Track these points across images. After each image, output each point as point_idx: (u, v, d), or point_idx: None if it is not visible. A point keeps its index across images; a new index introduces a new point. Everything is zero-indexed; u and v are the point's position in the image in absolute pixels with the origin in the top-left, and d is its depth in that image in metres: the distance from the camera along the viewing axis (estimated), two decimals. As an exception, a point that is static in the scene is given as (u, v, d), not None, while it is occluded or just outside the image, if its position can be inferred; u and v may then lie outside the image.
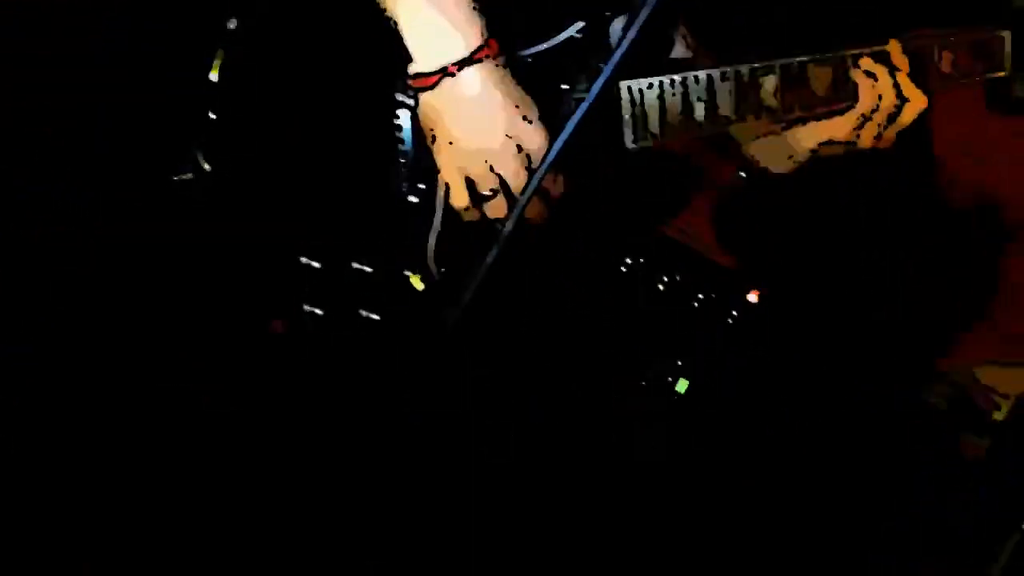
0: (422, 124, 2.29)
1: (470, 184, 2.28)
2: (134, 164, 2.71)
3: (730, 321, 2.63)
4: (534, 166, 2.28)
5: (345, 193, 2.36)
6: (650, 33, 2.02)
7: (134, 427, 2.80)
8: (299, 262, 2.34)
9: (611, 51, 2.04)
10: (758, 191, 2.64)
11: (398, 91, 2.33)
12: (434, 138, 2.27)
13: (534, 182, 2.10)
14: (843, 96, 2.42)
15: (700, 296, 2.62)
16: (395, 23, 2.22)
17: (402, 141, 2.34)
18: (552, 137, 2.23)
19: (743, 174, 2.58)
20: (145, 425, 2.80)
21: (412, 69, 2.23)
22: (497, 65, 2.24)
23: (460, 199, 2.30)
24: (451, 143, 2.26)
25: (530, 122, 2.26)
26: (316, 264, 2.35)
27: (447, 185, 2.30)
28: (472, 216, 2.31)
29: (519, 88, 2.27)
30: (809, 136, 2.47)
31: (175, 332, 2.79)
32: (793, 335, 2.92)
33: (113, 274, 2.77)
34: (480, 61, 2.22)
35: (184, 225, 2.47)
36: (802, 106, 2.41)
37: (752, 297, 2.64)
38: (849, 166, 2.51)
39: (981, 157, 2.97)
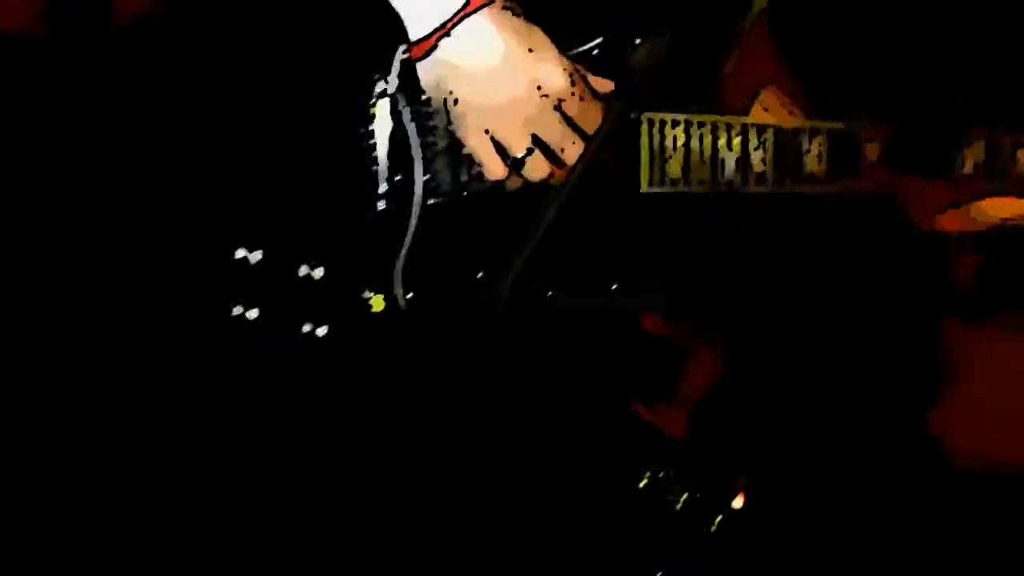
0: (435, 107, 2.11)
1: (501, 150, 2.13)
2: (135, 164, 2.70)
3: (713, 529, 2.43)
4: (564, 109, 2.08)
5: (302, 188, 2.11)
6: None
7: (134, 427, 2.80)
8: (233, 255, 2.07)
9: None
10: (744, 385, 2.42)
11: (377, 75, 2.10)
12: (448, 111, 2.10)
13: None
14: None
15: (685, 496, 2.40)
16: None
17: (372, 135, 2.12)
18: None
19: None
20: (145, 425, 2.80)
21: (411, 37, 2.06)
22: (498, 9, 2.06)
23: (496, 170, 2.15)
24: (470, 111, 2.09)
25: (547, 62, 2.08)
26: (254, 257, 2.10)
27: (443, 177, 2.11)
28: (515, 184, 2.15)
29: (528, 25, 2.09)
30: (994, 209, 2.29)
31: (176, 332, 2.78)
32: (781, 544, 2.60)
33: (113, 274, 2.76)
34: (477, 11, 2.05)
35: (182, 225, 2.46)
36: (850, 175, 2.14)
37: (737, 502, 2.46)
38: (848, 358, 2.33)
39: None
